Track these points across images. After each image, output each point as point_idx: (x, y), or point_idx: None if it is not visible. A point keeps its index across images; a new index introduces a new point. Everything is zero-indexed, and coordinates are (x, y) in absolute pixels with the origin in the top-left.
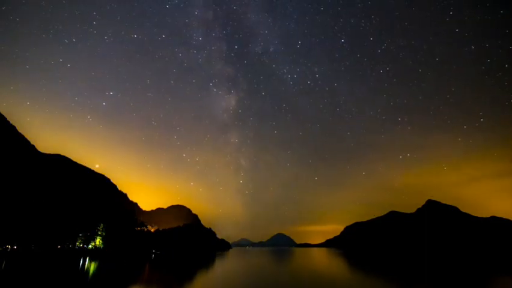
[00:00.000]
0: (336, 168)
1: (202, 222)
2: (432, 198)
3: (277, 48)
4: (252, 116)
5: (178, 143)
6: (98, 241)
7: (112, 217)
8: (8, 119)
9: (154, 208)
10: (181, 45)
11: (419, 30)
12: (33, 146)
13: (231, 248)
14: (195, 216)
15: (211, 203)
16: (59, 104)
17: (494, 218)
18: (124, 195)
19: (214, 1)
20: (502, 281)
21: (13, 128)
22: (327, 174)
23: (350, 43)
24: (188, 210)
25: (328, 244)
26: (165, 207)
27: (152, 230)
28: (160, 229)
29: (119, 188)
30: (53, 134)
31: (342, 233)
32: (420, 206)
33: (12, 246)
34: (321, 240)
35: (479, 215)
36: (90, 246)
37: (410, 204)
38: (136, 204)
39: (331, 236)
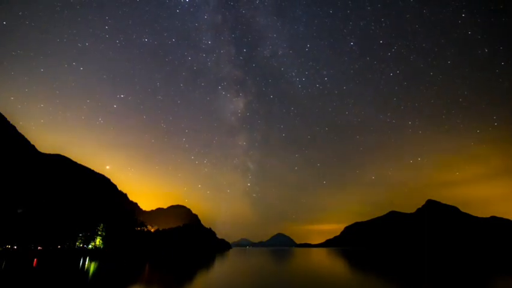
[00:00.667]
0: (344, 173)
1: (202, 222)
2: (432, 198)
3: (285, 52)
4: (260, 119)
5: (187, 146)
6: (98, 241)
7: (112, 217)
8: (8, 119)
9: (154, 208)
10: (190, 48)
11: (430, 33)
12: (33, 146)
13: (231, 248)
14: (195, 216)
15: (218, 205)
16: (71, 106)
17: (494, 218)
18: (124, 195)
19: (223, 5)
20: (502, 281)
21: (13, 128)
22: (336, 179)
23: (360, 46)
24: (189, 210)
25: (328, 244)
26: (165, 207)
27: (152, 230)
28: (160, 229)
29: (120, 188)
30: (62, 135)
31: (342, 233)
32: (420, 206)
33: (12, 246)
34: (321, 240)
35: (479, 215)
36: (90, 246)
37: (410, 204)
38: (136, 204)
39: (331, 236)
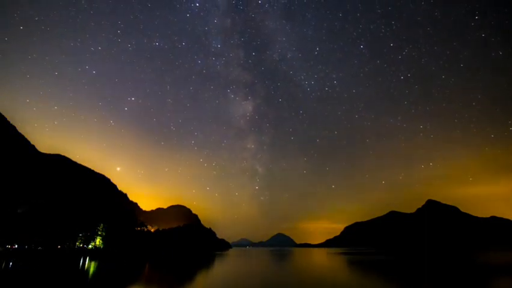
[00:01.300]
0: (354, 177)
1: (202, 222)
2: (432, 198)
3: (294, 55)
4: (269, 122)
5: (196, 148)
6: (98, 241)
7: (112, 217)
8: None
9: (154, 208)
10: (200, 52)
11: (442, 36)
12: (33, 146)
13: (231, 248)
14: (195, 216)
15: (226, 208)
16: (84, 109)
17: (494, 218)
18: (124, 195)
19: (232, 9)
20: (502, 281)
21: (13, 128)
22: (345, 184)
23: (370, 49)
24: (189, 210)
25: (328, 244)
26: (165, 207)
27: (152, 230)
28: (160, 229)
29: (120, 188)
30: (73, 136)
31: (342, 233)
32: (420, 206)
33: (12, 246)
34: (321, 240)
35: (479, 215)
36: (90, 246)
37: (410, 204)
38: (136, 204)
39: (331, 236)
